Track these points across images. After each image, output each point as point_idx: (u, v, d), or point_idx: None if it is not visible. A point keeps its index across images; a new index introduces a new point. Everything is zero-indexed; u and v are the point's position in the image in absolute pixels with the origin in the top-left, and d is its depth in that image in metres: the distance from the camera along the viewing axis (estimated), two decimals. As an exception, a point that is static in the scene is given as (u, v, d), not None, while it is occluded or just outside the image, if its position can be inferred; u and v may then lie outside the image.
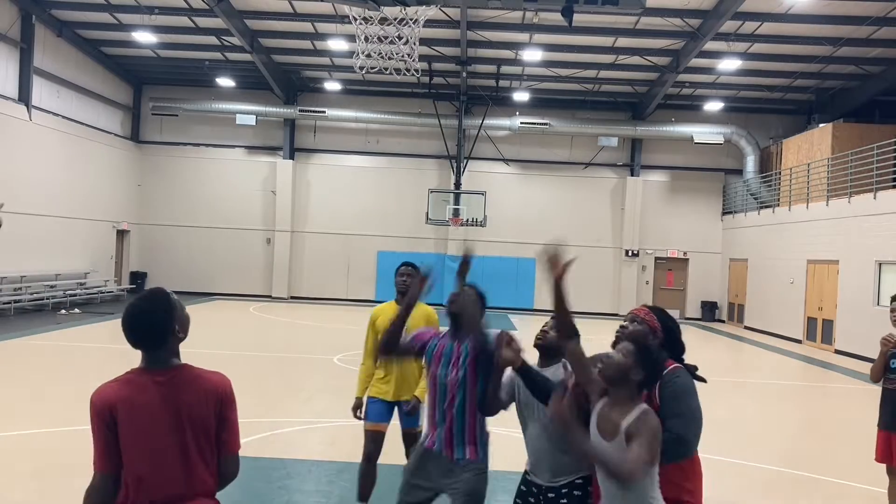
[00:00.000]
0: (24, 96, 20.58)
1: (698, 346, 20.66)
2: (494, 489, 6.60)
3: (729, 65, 22.17)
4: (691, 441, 3.26)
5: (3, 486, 6.14)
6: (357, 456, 6.43)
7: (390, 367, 5.57)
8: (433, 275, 4.11)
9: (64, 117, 22.68)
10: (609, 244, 27.59)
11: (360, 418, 5.66)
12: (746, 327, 24.76)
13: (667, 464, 3.14)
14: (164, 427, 2.64)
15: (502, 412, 3.81)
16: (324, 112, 26.71)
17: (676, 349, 3.51)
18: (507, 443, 8.58)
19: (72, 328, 17.12)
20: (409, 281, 5.50)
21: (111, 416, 2.62)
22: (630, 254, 27.32)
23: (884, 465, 5.96)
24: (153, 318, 2.67)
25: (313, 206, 27.78)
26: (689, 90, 25.40)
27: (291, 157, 27.58)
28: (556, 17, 17.59)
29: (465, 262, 4.42)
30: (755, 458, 8.22)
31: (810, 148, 22.80)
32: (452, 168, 26.48)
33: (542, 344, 3.73)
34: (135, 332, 2.66)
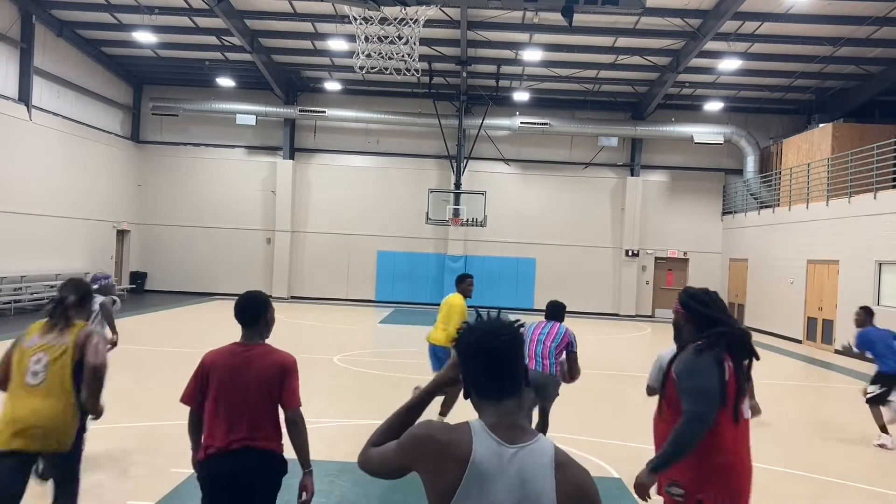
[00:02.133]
0: (24, 96, 20.58)
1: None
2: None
3: (729, 65, 22.17)
4: (697, 415, 3.31)
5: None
6: (355, 455, 6.42)
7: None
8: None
9: (64, 117, 22.67)
10: (609, 244, 27.59)
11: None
12: (746, 327, 24.72)
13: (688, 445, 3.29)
14: (239, 385, 3.75)
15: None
16: (324, 112, 26.70)
17: (707, 323, 3.51)
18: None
19: (72, 328, 17.10)
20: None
21: (206, 371, 3.82)
22: (630, 254, 27.32)
23: (883, 466, 5.98)
24: (253, 303, 3.91)
25: (313, 206, 27.78)
26: (689, 90, 25.40)
27: (291, 157, 27.58)
28: (557, 17, 17.58)
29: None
30: (755, 459, 8.20)
31: (810, 148, 22.80)
32: (452, 168, 26.48)
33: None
34: (241, 310, 3.89)
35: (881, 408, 9.02)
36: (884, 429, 9.01)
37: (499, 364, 2.12)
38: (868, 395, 9.15)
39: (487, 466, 2.02)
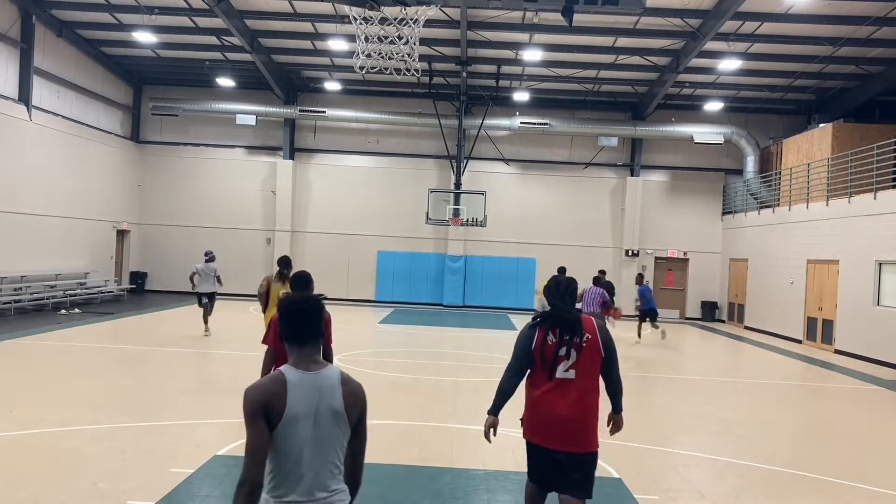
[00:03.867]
0: (24, 96, 20.58)
1: (698, 345, 20.66)
2: (494, 488, 6.59)
3: (729, 65, 22.16)
4: (508, 365, 4.55)
5: (4, 486, 6.14)
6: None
7: None
8: None
9: (64, 117, 22.67)
10: (609, 244, 27.59)
11: None
12: (746, 327, 24.76)
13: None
14: None
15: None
16: (324, 112, 26.71)
17: (553, 300, 4.56)
18: (504, 442, 8.59)
19: (72, 328, 17.12)
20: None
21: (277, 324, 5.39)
22: (630, 254, 27.32)
23: (885, 465, 5.98)
24: (304, 278, 6.41)
25: (313, 206, 27.79)
26: (689, 90, 25.40)
27: (291, 157, 27.58)
28: (556, 17, 17.59)
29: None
30: (755, 458, 8.22)
31: (810, 148, 22.81)
32: (452, 168, 26.49)
33: None
34: (296, 280, 6.42)
35: (648, 327, 18.24)
36: (639, 335, 18.59)
37: (296, 321, 2.94)
38: (636, 320, 18.54)
39: (297, 384, 2.87)
